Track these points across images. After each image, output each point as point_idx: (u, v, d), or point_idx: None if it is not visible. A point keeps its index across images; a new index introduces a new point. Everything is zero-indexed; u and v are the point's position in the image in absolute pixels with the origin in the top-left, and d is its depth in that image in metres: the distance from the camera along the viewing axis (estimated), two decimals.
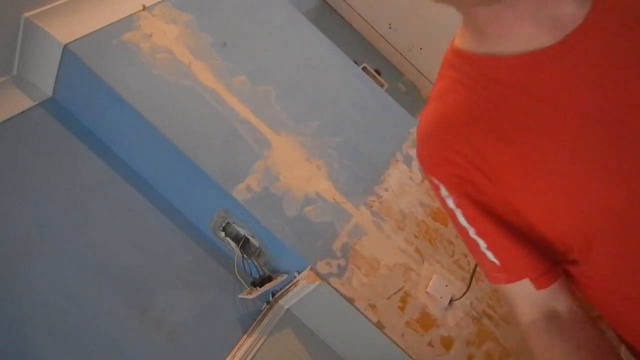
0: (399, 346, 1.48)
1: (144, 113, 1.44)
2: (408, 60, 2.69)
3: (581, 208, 0.56)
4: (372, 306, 1.49)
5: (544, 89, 0.55)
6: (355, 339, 1.60)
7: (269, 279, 1.55)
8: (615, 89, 0.53)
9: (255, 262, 1.59)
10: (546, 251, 0.64)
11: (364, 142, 1.78)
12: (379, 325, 1.47)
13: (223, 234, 1.60)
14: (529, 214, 0.61)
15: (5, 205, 1.39)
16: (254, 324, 1.58)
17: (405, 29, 2.59)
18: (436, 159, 0.65)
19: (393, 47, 2.67)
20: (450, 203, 0.66)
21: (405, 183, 1.78)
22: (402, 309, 1.54)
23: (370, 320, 1.47)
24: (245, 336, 1.55)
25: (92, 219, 1.49)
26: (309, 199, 1.57)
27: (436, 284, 1.62)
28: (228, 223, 1.57)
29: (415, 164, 1.86)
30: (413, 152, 1.88)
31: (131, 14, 1.57)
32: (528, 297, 0.67)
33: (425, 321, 1.55)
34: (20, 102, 1.52)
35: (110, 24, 1.52)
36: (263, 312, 1.62)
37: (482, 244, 0.66)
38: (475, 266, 1.50)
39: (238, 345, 1.53)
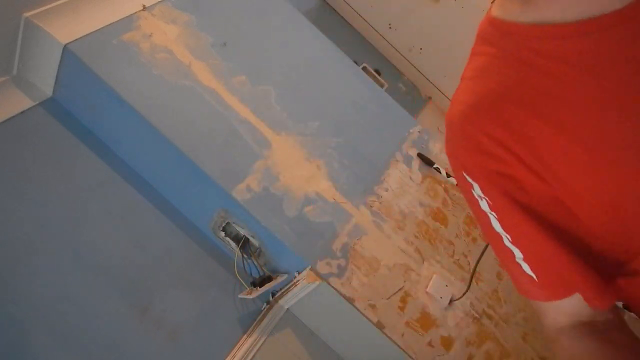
0: (399, 346, 1.48)
1: (144, 113, 1.44)
2: (408, 60, 2.69)
3: None
4: (372, 306, 1.49)
5: (600, 62, 0.47)
6: (355, 339, 1.60)
7: (269, 279, 1.55)
8: None
9: (255, 262, 1.59)
10: (602, 262, 0.54)
11: (364, 142, 1.78)
12: (379, 325, 1.47)
13: (223, 234, 1.60)
14: (584, 212, 0.52)
15: (5, 205, 1.39)
16: (254, 324, 1.58)
17: (405, 29, 2.59)
18: (470, 151, 0.55)
19: (393, 47, 2.67)
20: (485, 206, 0.57)
21: (405, 183, 1.78)
22: (402, 309, 1.54)
23: (370, 320, 1.47)
24: (245, 336, 1.55)
25: (92, 219, 1.49)
26: (309, 199, 1.57)
27: (436, 284, 1.62)
28: (228, 223, 1.57)
29: (415, 163, 1.86)
30: (413, 152, 1.88)
31: (131, 14, 1.57)
32: (573, 314, 0.56)
33: (425, 321, 1.55)
34: (20, 102, 1.52)
35: (110, 24, 1.52)
36: (263, 312, 1.62)
37: (518, 254, 0.57)
38: (476, 266, 1.50)
39: (238, 345, 1.53)
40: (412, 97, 2.71)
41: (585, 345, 0.54)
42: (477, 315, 1.65)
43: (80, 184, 1.52)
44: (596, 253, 0.54)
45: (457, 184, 0.63)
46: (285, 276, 1.56)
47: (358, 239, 1.58)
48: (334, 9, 2.70)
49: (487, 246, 1.47)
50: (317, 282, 1.46)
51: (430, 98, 2.75)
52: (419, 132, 1.95)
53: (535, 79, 0.50)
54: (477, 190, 0.57)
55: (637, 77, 0.46)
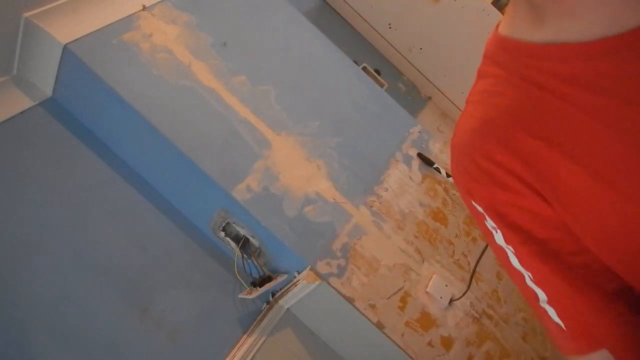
0: (399, 346, 1.48)
1: (144, 113, 1.44)
2: (408, 60, 2.69)
3: None
4: (372, 306, 1.49)
5: (625, 85, 0.41)
6: (355, 339, 1.60)
7: (269, 279, 1.55)
8: None
9: (255, 262, 1.59)
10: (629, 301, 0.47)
11: (364, 142, 1.78)
12: (379, 325, 1.47)
13: (223, 234, 1.60)
14: (603, 252, 0.46)
15: (5, 205, 1.39)
16: (254, 324, 1.58)
17: (405, 29, 2.59)
18: (479, 181, 0.51)
19: (393, 47, 2.67)
20: (500, 239, 0.51)
21: (405, 183, 1.78)
22: (402, 309, 1.54)
23: (370, 320, 1.47)
24: (245, 336, 1.55)
25: (92, 219, 1.49)
26: (309, 199, 1.57)
27: (436, 284, 1.62)
28: (228, 223, 1.57)
29: (415, 163, 1.86)
30: (413, 152, 1.88)
31: (131, 14, 1.57)
32: None
33: (425, 321, 1.55)
34: (20, 102, 1.52)
35: (110, 24, 1.52)
36: (263, 312, 1.62)
37: (542, 296, 0.50)
38: (475, 266, 1.50)
39: (238, 345, 1.53)
40: (412, 97, 2.71)
41: None
42: (477, 315, 1.65)
43: (80, 184, 1.52)
44: (623, 293, 0.47)
45: (470, 213, 0.57)
46: (285, 276, 1.56)
47: (358, 239, 1.58)
48: (334, 9, 2.70)
49: (487, 246, 1.47)
50: (317, 282, 1.46)
51: (430, 98, 2.75)
52: (419, 132, 1.95)
53: (548, 104, 0.45)
54: (489, 222, 0.51)
55: None
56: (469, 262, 1.74)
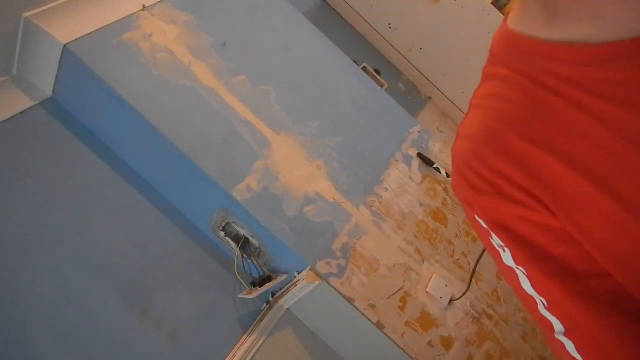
0: (399, 346, 1.48)
1: (144, 113, 1.44)
2: (408, 60, 2.69)
3: None
4: (372, 306, 1.49)
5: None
6: (355, 339, 1.60)
7: (269, 279, 1.55)
8: None
9: (255, 262, 1.59)
10: None
11: (364, 142, 1.78)
12: (379, 325, 1.47)
13: (223, 234, 1.60)
14: (609, 260, 0.41)
15: (5, 205, 1.39)
16: (254, 324, 1.58)
17: (405, 29, 2.59)
18: (482, 194, 0.46)
19: (393, 47, 2.67)
20: (508, 259, 0.46)
21: (405, 183, 1.78)
22: (402, 309, 1.54)
23: (370, 320, 1.47)
24: (245, 336, 1.55)
25: (92, 219, 1.49)
26: (309, 199, 1.57)
27: (436, 284, 1.62)
28: (228, 223, 1.57)
29: (415, 163, 1.86)
30: (413, 152, 1.88)
31: (131, 14, 1.57)
32: None
33: (425, 321, 1.55)
34: (20, 102, 1.52)
35: (110, 24, 1.52)
36: (263, 312, 1.62)
37: (558, 327, 0.45)
38: (475, 266, 1.50)
39: (238, 345, 1.53)
40: (412, 97, 2.71)
41: None
42: (477, 315, 1.65)
43: (80, 184, 1.52)
44: None
45: (473, 229, 0.53)
46: (285, 276, 1.56)
47: (358, 239, 1.58)
48: (334, 9, 2.70)
49: None
50: (317, 282, 1.46)
51: (430, 98, 2.75)
52: (418, 132, 1.95)
53: (556, 109, 0.41)
54: (495, 239, 0.47)
55: None
56: (469, 262, 1.74)
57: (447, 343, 1.55)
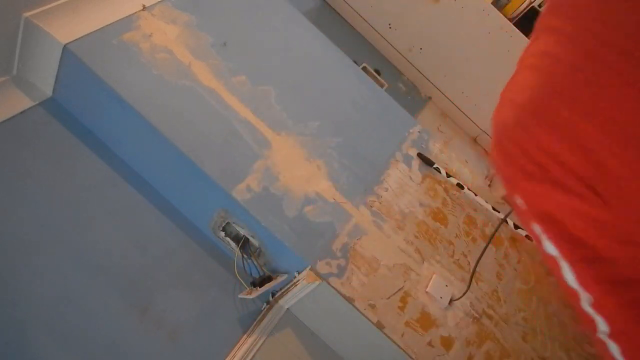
0: (399, 346, 1.48)
1: (144, 113, 1.44)
2: (408, 60, 2.69)
3: None
4: (372, 306, 1.49)
5: None
6: (355, 339, 1.60)
7: (269, 279, 1.55)
8: None
9: (255, 262, 1.59)
10: None
11: (364, 142, 1.78)
12: (379, 325, 1.47)
13: (223, 234, 1.60)
14: None
15: (5, 205, 1.39)
16: (254, 324, 1.58)
17: (405, 29, 2.58)
18: (530, 176, 0.38)
19: (393, 47, 2.67)
20: (550, 248, 0.40)
21: (405, 183, 1.78)
22: (402, 309, 1.54)
23: (370, 320, 1.47)
24: (245, 336, 1.55)
25: (92, 219, 1.49)
26: (309, 199, 1.57)
27: (436, 284, 1.62)
28: (228, 223, 1.57)
29: (415, 163, 1.86)
30: (413, 152, 1.88)
31: (131, 14, 1.57)
32: None
33: (425, 321, 1.56)
34: (20, 102, 1.52)
35: (110, 24, 1.52)
36: (263, 312, 1.62)
37: (603, 327, 0.41)
38: (475, 266, 1.50)
39: (238, 345, 1.53)
40: (412, 97, 2.71)
41: None
42: (477, 315, 1.65)
43: (80, 184, 1.52)
44: None
45: (512, 208, 0.43)
46: (285, 276, 1.56)
47: (358, 239, 1.58)
48: (334, 9, 2.70)
49: (487, 246, 1.48)
50: (317, 282, 1.46)
51: (430, 98, 2.74)
52: (418, 132, 1.95)
53: (621, 87, 0.34)
54: (536, 227, 0.39)
55: None
56: (469, 262, 1.74)
57: (447, 343, 1.55)
